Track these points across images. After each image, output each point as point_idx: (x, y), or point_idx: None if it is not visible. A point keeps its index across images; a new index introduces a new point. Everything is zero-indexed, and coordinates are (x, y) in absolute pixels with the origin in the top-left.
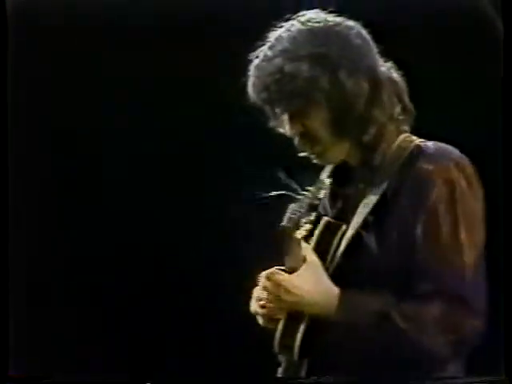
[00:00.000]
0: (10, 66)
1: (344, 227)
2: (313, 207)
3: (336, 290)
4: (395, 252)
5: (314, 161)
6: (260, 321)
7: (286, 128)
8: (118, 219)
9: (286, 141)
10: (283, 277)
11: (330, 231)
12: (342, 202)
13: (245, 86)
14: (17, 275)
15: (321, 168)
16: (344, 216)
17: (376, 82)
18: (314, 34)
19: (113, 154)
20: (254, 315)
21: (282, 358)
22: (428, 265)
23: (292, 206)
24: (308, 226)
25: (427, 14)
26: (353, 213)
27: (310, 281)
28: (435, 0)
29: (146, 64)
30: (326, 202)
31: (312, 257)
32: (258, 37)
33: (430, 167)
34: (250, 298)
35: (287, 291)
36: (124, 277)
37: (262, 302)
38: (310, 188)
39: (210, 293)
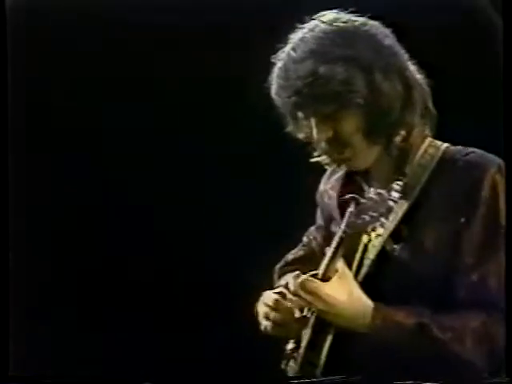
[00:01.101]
0: (10, 66)
1: (366, 237)
2: (382, 212)
3: (370, 303)
4: (431, 261)
5: (342, 166)
6: (268, 327)
7: (311, 133)
8: (120, 219)
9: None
10: (316, 284)
11: (352, 241)
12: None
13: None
14: (17, 275)
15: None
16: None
17: (408, 84)
18: (342, 35)
19: (119, 154)
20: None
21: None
22: (469, 274)
23: (355, 210)
24: (374, 234)
25: (427, 13)
26: (373, 220)
27: (343, 291)
28: (435, 0)
29: (147, 65)
30: (333, 209)
31: (344, 268)
32: (278, 38)
33: (475, 174)
34: (250, 298)
35: (319, 298)
36: (124, 277)
37: (272, 307)
38: (380, 191)
39: (210, 292)
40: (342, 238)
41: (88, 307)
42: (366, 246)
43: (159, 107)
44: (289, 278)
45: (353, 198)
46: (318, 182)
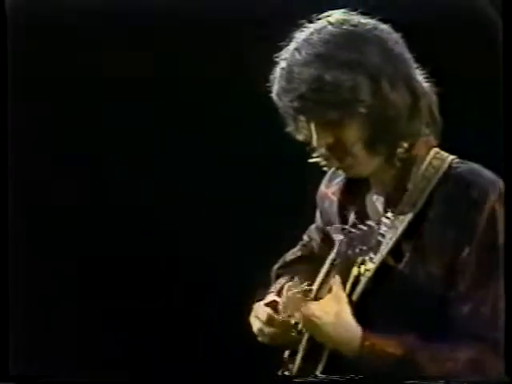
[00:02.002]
0: (11, 66)
1: (356, 269)
2: (371, 247)
3: (358, 329)
4: (430, 280)
5: (341, 171)
6: (265, 341)
7: (311, 136)
8: (120, 218)
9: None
10: (304, 303)
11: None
12: (358, 219)
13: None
14: (17, 275)
15: None
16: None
17: (415, 93)
18: (351, 39)
19: (119, 154)
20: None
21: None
22: (462, 302)
23: (346, 240)
24: (364, 268)
25: (426, 13)
26: (362, 253)
27: (330, 312)
28: (434, 0)
29: (147, 65)
30: (333, 215)
31: (339, 289)
32: (282, 37)
33: (476, 197)
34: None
35: (305, 317)
36: (124, 277)
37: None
38: (370, 223)
39: (211, 292)
40: (333, 264)
41: (88, 307)
42: (362, 262)
43: (159, 107)
44: (284, 285)
45: (343, 229)
46: (319, 182)
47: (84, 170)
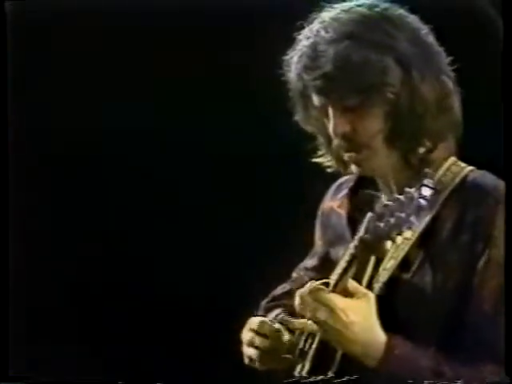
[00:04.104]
0: (10, 65)
1: (390, 243)
2: (410, 213)
3: (383, 337)
4: (440, 291)
5: (353, 168)
6: (253, 356)
7: (322, 124)
8: (120, 219)
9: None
10: (331, 295)
11: (360, 260)
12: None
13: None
14: (17, 275)
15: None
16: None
17: (444, 90)
18: (382, 21)
19: (119, 156)
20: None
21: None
22: (476, 315)
23: (376, 215)
24: (400, 240)
25: (426, 13)
26: (400, 221)
27: (358, 312)
28: (434, 0)
29: (147, 65)
30: (343, 228)
31: (366, 289)
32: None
33: (493, 202)
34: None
35: (333, 312)
36: (125, 277)
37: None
38: (408, 190)
39: (212, 294)
40: (357, 248)
41: (88, 308)
42: (374, 269)
43: (160, 107)
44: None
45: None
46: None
47: (85, 171)
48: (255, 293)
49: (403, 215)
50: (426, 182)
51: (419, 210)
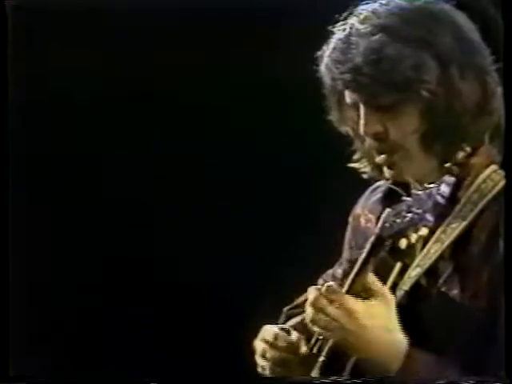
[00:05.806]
0: (10, 62)
1: (405, 241)
2: (427, 209)
3: (405, 342)
4: (471, 307)
5: (386, 171)
6: (266, 367)
7: (357, 124)
8: (120, 219)
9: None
10: (349, 299)
11: (384, 265)
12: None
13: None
14: (17, 275)
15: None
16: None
17: (487, 90)
18: (422, 15)
19: (120, 156)
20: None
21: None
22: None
23: (393, 210)
24: (415, 237)
25: None
26: (416, 218)
27: (378, 315)
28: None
29: (147, 65)
30: (373, 229)
31: (386, 290)
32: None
33: None
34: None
35: (347, 314)
36: (125, 277)
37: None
38: (427, 185)
39: (212, 292)
40: (374, 246)
41: (89, 307)
42: (400, 275)
43: (159, 107)
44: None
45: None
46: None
47: (85, 171)
48: (259, 295)
49: (420, 211)
50: (446, 178)
51: (435, 207)
